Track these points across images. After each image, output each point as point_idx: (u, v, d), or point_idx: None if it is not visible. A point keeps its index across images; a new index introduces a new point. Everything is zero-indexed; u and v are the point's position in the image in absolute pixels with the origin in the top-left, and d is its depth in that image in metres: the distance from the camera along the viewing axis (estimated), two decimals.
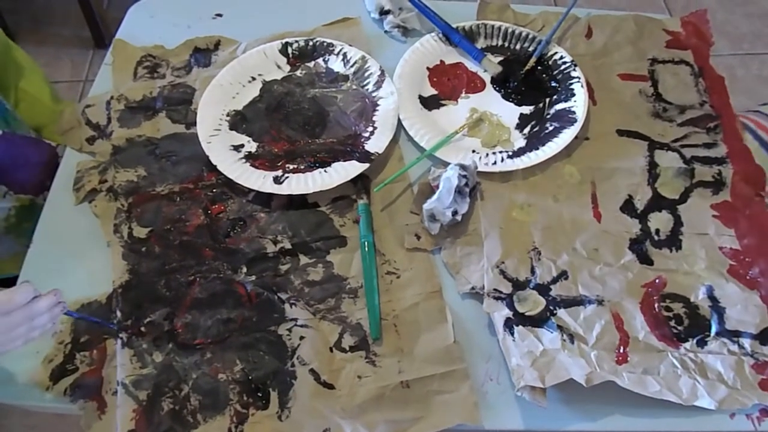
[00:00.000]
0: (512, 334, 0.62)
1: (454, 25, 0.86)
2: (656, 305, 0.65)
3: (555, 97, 0.81)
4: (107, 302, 0.67)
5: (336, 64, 0.85)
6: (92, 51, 1.80)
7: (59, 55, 1.80)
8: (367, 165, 0.74)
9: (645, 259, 0.68)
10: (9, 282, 0.70)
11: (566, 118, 0.78)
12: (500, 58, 0.86)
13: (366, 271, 0.67)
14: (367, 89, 0.82)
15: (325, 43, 0.86)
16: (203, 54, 0.87)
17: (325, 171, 0.74)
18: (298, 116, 0.80)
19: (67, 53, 1.80)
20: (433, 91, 0.83)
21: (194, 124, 0.78)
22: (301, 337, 0.64)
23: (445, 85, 0.84)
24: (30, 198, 0.79)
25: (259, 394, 0.61)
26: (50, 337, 0.64)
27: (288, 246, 0.70)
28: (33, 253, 0.71)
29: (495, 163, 0.74)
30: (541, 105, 0.81)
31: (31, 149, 0.81)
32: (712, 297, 0.65)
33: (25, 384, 0.62)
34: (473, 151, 0.76)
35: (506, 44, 0.87)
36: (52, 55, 1.80)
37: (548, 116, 0.80)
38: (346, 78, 0.84)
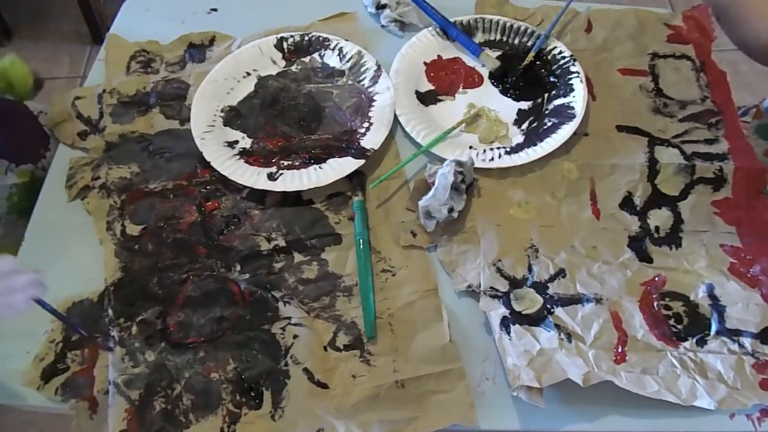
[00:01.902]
0: (509, 333, 0.61)
1: (451, 20, 0.85)
2: (655, 304, 0.64)
3: (554, 92, 0.80)
4: (99, 300, 0.66)
5: (332, 59, 0.84)
6: (90, 47, 1.80)
7: (57, 51, 1.80)
8: (362, 161, 0.73)
9: (644, 257, 0.67)
10: None
11: (565, 114, 0.76)
12: (498, 53, 0.85)
13: (361, 269, 0.66)
14: (363, 84, 0.81)
15: (320, 38, 0.85)
16: (198, 49, 0.86)
17: (320, 167, 0.73)
18: (293, 112, 0.79)
19: (66, 49, 1.80)
20: (431, 87, 0.82)
21: (188, 120, 0.77)
22: (295, 336, 0.63)
23: (443, 80, 0.82)
24: (30, 171, 0.78)
25: (252, 394, 0.60)
26: (41, 336, 0.64)
27: (282, 243, 0.69)
28: (25, 250, 0.70)
29: (492, 159, 0.73)
30: (539, 100, 0.80)
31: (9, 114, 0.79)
32: (712, 295, 0.64)
33: (16, 384, 0.61)
34: (470, 147, 0.75)
35: (505, 39, 0.86)
36: (50, 51, 1.79)
37: (547, 112, 0.79)
38: (342, 73, 0.83)
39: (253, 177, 0.72)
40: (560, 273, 0.66)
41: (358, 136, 0.76)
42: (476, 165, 0.71)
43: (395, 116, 0.77)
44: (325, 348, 0.62)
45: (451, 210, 0.67)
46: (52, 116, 0.79)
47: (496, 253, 0.67)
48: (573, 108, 0.77)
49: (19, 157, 0.78)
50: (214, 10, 0.91)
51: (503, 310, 0.63)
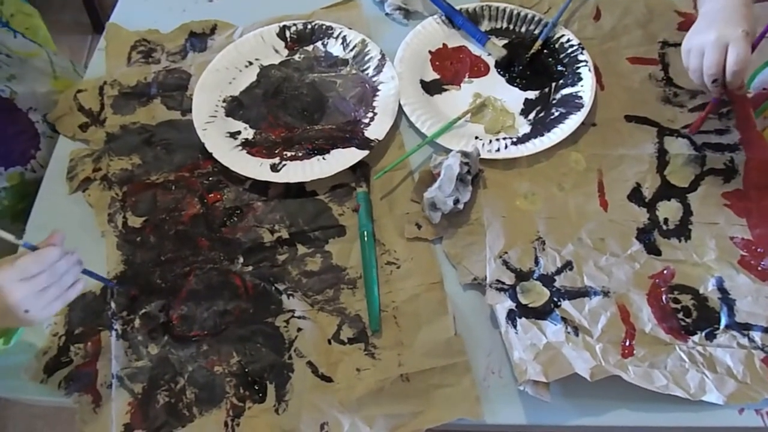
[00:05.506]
0: (515, 326, 0.60)
1: (457, 7, 0.84)
2: (664, 297, 0.63)
3: (561, 81, 0.79)
4: (101, 293, 0.65)
5: (335, 48, 0.83)
6: (91, 36, 1.78)
7: (58, 42, 1.77)
8: (366, 152, 0.72)
9: (653, 250, 0.66)
10: None
11: (573, 104, 0.75)
12: (505, 41, 0.83)
13: (365, 262, 0.65)
14: (367, 74, 0.80)
15: (324, 27, 0.84)
16: (199, 38, 0.85)
17: (323, 158, 0.73)
18: (296, 102, 0.78)
19: (67, 40, 1.79)
20: (436, 76, 0.81)
21: (190, 110, 0.76)
22: (299, 329, 0.62)
23: (448, 69, 0.81)
24: (20, 174, 0.76)
25: (256, 387, 0.60)
26: (44, 329, 0.64)
27: (285, 235, 0.68)
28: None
29: (498, 150, 0.72)
30: (546, 90, 0.79)
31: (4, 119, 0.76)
32: (721, 289, 0.63)
33: (20, 378, 0.61)
34: (476, 138, 0.74)
35: (511, 27, 0.85)
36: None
37: (554, 101, 0.77)
38: (345, 62, 0.82)
39: (256, 168, 0.71)
40: (567, 265, 0.65)
41: (362, 126, 0.75)
42: (482, 156, 0.70)
43: (400, 106, 0.76)
44: (329, 341, 0.62)
45: (456, 201, 0.66)
46: (54, 110, 0.78)
47: (502, 245, 0.66)
48: (581, 97, 0.75)
49: (7, 160, 0.75)
50: None
51: (509, 303, 0.62)
